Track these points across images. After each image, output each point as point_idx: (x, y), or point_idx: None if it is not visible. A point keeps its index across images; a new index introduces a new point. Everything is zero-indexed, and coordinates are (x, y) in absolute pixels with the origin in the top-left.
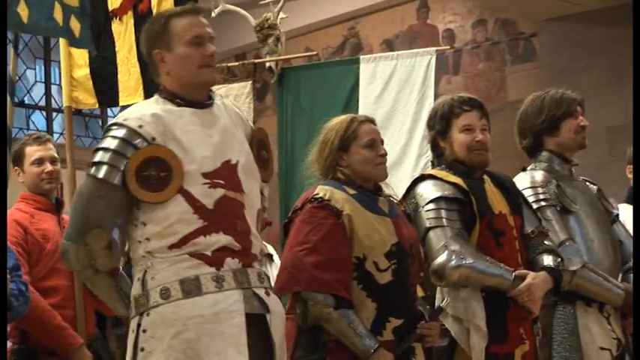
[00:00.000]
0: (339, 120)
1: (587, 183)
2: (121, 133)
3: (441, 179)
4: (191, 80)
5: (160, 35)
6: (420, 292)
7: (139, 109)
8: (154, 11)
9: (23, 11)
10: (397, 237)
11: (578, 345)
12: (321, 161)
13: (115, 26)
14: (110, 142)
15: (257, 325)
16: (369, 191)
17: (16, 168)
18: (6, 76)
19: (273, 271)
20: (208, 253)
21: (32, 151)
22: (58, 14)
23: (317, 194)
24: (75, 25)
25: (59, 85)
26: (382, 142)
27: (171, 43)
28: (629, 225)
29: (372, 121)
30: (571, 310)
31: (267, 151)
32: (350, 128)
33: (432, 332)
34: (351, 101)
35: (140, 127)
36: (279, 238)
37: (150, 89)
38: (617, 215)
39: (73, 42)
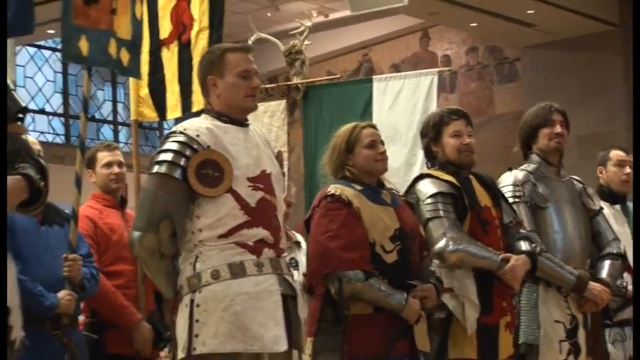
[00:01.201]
0: (345, 128)
1: (575, 182)
2: (181, 138)
3: (437, 177)
4: (237, 105)
5: (215, 64)
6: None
7: (194, 123)
8: (192, 41)
9: (84, 46)
10: (399, 223)
11: (537, 317)
12: (331, 163)
13: (164, 53)
14: (171, 145)
15: (285, 304)
16: (373, 186)
17: (89, 170)
18: (6, 84)
19: (301, 256)
20: (250, 243)
21: (103, 157)
22: (112, 48)
23: (330, 191)
24: (124, 56)
25: (123, 102)
26: (382, 142)
27: (224, 73)
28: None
29: (372, 126)
30: (535, 289)
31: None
32: (353, 133)
33: (428, 294)
34: (365, 113)
35: (197, 135)
36: (303, 230)
37: (185, 106)
38: (601, 209)
39: (122, 71)
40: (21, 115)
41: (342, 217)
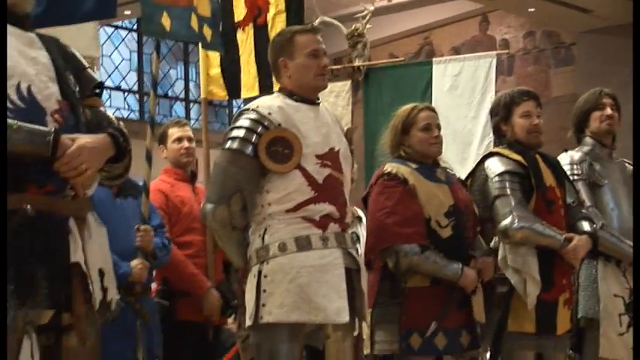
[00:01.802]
0: (403, 108)
1: (626, 164)
2: (253, 115)
3: (505, 156)
4: (308, 84)
5: (286, 47)
6: (483, 245)
7: (267, 101)
8: (269, 24)
9: (166, 22)
10: (453, 199)
11: (596, 292)
12: (389, 142)
13: (239, 35)
14: (243, 122)
15: (348, 277)
16: (429, 165)
17: (160, 146)
18: (6, 77)
19: (362, 230)
20: (317, 218)
21: (174, 132)
22: (194, 23)
23: (387, 170)
24: (207, 32)
25: (195, 81)
26: (438, 126)
27: (294, 54)
28: None
29: (430, 108)
30: (594, 264)
31: (351, 145)
32: (410, 115)
33: (487, 266)
34: (424, 95)
35: (269, 114)
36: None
37: (264, 86)
38: None
39: (206, 45)
40: (97, 90)
41: (397, 194)
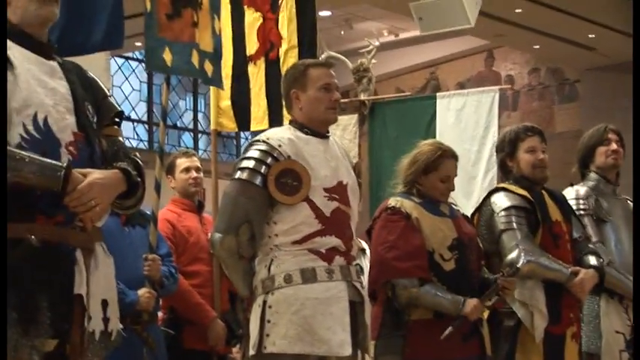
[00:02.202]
0: (430, 147)
1: (628, 201)
2: (263, 147)
3: (511, 191)
4: (319, 117)
5: (299, 79)
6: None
7: (277, 133)
8: (282, 59)
9: (167, 57)
10: (457, 233)
11: (599, 327)
12: (406, 174)
13: (251, 68)
14: (254, 153)
15: (352, 309)
16: (433, 201)
17: (169, 176)
18: (6, 85)
19: (365, 262)
20: (323, 250)
21: (182, 162)
22: (195, 59)
23: (390, 204)
24: (208, 67)
25: (204, 112)
26: (455, 176)
27: (307, 86)
28: None
29: (456, 157)
30: (597, 299)
31: (359, 178)
32: (436, 160)
33: (510, 285)
34: (429, 129)
35: (279, 145)
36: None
37: (274, 119)
38: None
39: (207, 81)
40: (117, 120)
41: (399, 229)
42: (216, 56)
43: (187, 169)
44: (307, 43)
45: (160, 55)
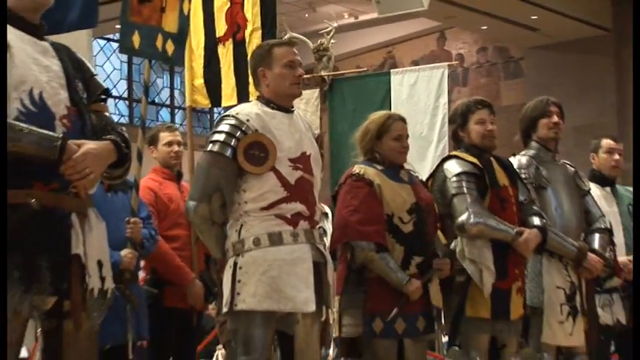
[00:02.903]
0: (379, 115)
1: (567, 166)
2: (233, 121)
3: (462, 159)
4: (284, 92)
5: (265, 58)
6: (443, 240)
7: (245, 108)
8: (247, 40)
9: (136, 40)
10: (415, 198)
11: (541, 283)
12: (362, 144)
13: (220, 49)
14: (224, 127)
15: (316, 269)
16: (393, 167)
17: (151, 147)
18: (6, 80)
19: (328, 225)
20: (288, 215)
21: (165, 136)
22: (159, 42)
23: (355, 171)
24: (170, 47)
25: (180, 89)
26: (407, 136)
27: (272, 64)
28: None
29: (403, 120)
30: (540, 258)
31: (321, 149)
32: (385, 123)
33: (445, 266)
34: (384, 103)
35: (248, 120)
36: (330, 204)
37: (242, 95)
38: (589, 190)
39: (166, 61)
40: (103, 97)
41: (363, 195)
42: (180, 37)
43: (170, 143)
44: (269, 25)
45: (130, 38)
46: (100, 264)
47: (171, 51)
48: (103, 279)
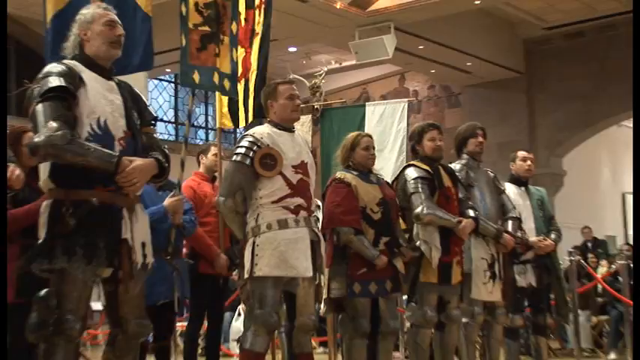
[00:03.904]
0: (351, 135)
1: (489, 172)
2: (250, 139)
3: (418, 167)
4: (287, 117)
5: (272, 93)
6: (402, 225)
7: (260, 129)
8: (250, 78)
9: (196, 77)
10: (382, 194)
11: (470, 255)
12: (341, 156)
13: (238, 85)
14: (244, 143)
15: (312, 246)
16: (366, 172)
17: (201, 155)
18: (6, 85)
19: (320, 214)
20: (292, 207)
21: (214, 152)
22: (215, 78)
23: (338, 176)
24: (227, 84)
25: (211, 115)
26: (374, 147)
27: (278, 97)
28: (511, 193)
29: (369, 136)
30: (469, 237)
31: (315, 159)
32: (356, 139)
33: (408, 254)
34: (360, 127)
35: (261, 138)
36: (320, 199)
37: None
38: (504, 190)
39: (225, 93)
40: (153, 122)
41: (343, 193)
42: (233, 76)
43: (215, 154)
44: (261, 68)
45: (191, 76)
46: (143, 245)
47: (228, 86)
48: (145, 256)
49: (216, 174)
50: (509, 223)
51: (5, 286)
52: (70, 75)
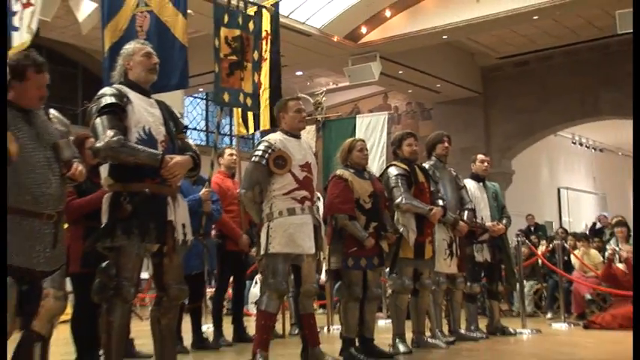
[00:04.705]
0: (348, 140)
1: (452, 170)
2: (266, 144)
3: (398, 166)
4: (295, 127)
5: (283, 107)
6: (388, 213)
7: (273, 136)
8: (260, 95)
9: (225, 97)
10: (373, 188)
11: (434, 237)
12: (341, 157)
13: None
14: (261, 147)
15: (314, 230)
16: (360, 170)
17: (220, 159)
18: (6, 80)
19: (320, 204)
20: (298, 198)
21: (228, 152)
22: (241, 97)
23: (337, 173)
24: (249, 101)
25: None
26: (366, 150)
27: (287, 111)
28: (471, 187)
29: (363, 140)
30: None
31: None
32: (352, 143)
33: (391, 239)
34: (352, 134)
35: (274, 143)
36: (322, 192)
37: (256, 127)
38: (464, 186)
39: (247, 109)
40: (184, 130)
41: (341, 187)
42: (254, 95)
43: (231, 154)
44: (274, 86)
45: (222, 96)
46: (183, 225)
47: (250, 103)
48: (185, 234)
49: (235, 171)
50: (466, 213)
51: (5, 285)
52: (119, 95)
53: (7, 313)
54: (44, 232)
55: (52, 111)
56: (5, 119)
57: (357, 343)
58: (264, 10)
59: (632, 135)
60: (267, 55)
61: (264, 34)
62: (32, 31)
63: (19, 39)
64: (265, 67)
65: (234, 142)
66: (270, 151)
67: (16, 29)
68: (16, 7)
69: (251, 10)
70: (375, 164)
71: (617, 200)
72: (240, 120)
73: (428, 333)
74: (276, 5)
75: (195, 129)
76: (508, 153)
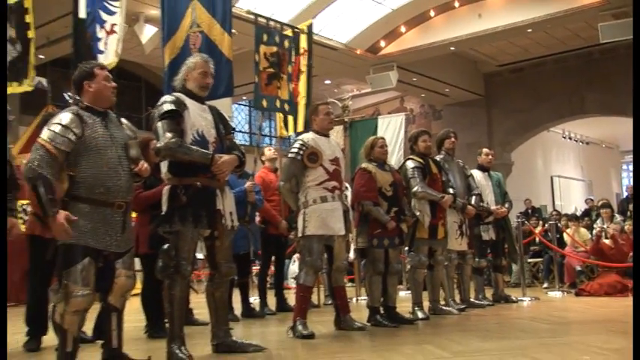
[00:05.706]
0: (371, 138)
1: (459, 162)
2: (300, 142)
3: (414, 159)
4: (324, 127)
5: (314, 111)
6: (406, 200)
7: (307, 136)
8: (299, 102)
9: (264, 103)
10: (393, 179)
11: (446, 221)
12: (365, 152)
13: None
14: (296, 144)
15: (344, 214)
16: (381, 163)
17: (262, 156)
18: (6, 83)
19: (349, 193)
20: (329, 188)
21: (268, 150)
22: (278, 103)
23: (362, 166)
24: (287, 107)
25: (274, 127)
26: (386, 146)
27: (318, 114)
28: (477, 176)
29: (383, 138)
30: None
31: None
32: (374, 141)
33: (409, 222)
34: (374, 133)
35: (307, 141)
36: (349, 182)
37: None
38: (470, 174)
39: (286, 113)
40: (232, 132)
41: (366, 178)
42: (291, 101)
43: (269, 150)
44: (308, 95)
45: (261, 102)
46: (230, 213)
47: (288, 108)
48: (232, 221)
49: (277, 166)
50: (473, 198)
51: (5, 286)
52: (177, 102)
53: (89, 286)
54: (115, 219)
55: (122, 119)
56: (5, 119)
57: (381, 311)
58: (300, 32)
59: (632, 135)
60: (304, 68)
61: (301, 50)
62: (118, 55)
63: (105, 60)
64: (303, 78)
65: (273, 142)
66: (304, 148)
67: (101, 52)
68: (100, 34)
69: (288, 32)
70: (394, 158)
71: (602, 186)
72: (282, 123)
73: (442, 302)
74: (309, 26)
75: (240, 131)
76: (508, 147)
